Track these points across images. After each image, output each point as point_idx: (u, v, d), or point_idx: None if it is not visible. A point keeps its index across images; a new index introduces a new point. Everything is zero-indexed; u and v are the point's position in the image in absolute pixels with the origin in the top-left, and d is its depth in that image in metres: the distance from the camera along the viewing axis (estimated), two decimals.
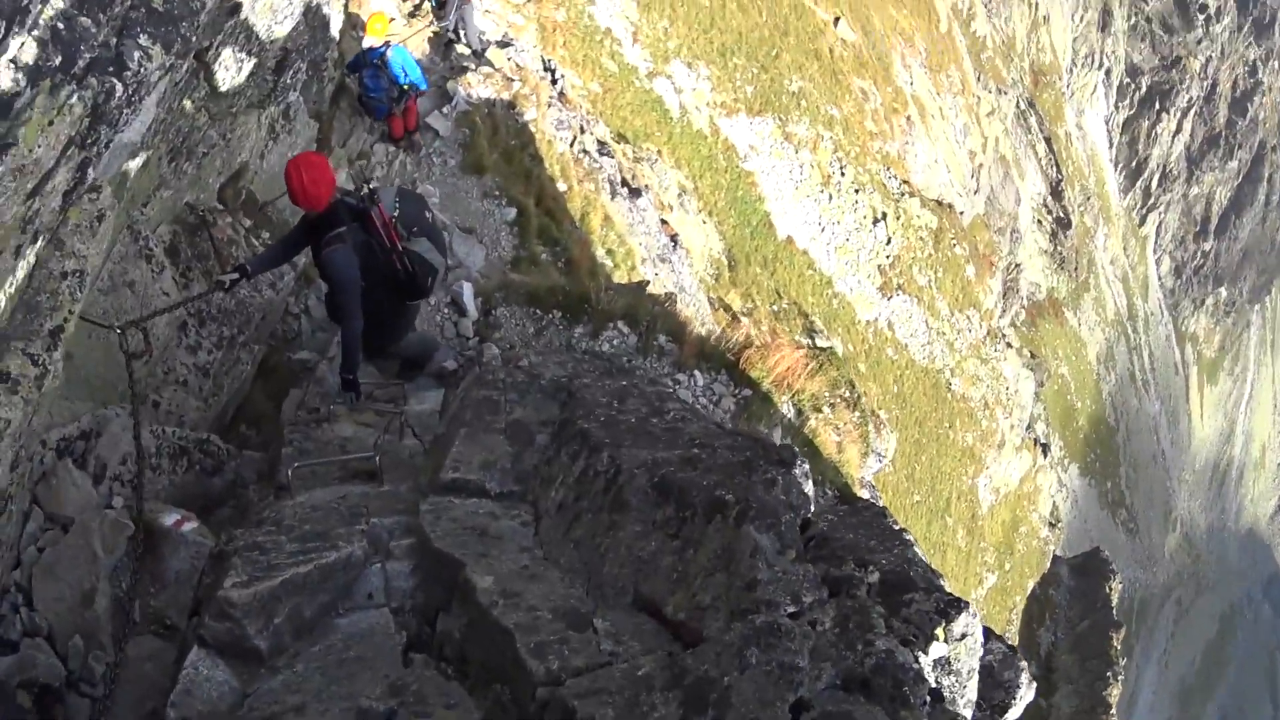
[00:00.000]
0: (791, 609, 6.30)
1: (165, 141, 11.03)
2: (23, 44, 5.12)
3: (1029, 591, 50.88)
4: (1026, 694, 7.98)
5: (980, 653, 6.71)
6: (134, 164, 9.12)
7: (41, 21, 5.23)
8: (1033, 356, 63.75)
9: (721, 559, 6.76)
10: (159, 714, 7.10)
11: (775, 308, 39.14)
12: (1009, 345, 59.39)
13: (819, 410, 18.97)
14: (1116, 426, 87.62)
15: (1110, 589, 52.91)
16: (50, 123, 5.50)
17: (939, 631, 6.25)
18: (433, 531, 8.31)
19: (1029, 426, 59.77)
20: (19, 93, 5.13)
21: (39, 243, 6.54)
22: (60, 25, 5.39)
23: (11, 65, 5.06)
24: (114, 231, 9.18)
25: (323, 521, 8.74)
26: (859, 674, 5.78)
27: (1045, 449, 62.28)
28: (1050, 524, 60.97)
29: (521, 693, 6.44)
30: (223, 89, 12.07)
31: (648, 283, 22.76)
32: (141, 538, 8.26)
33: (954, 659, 6.41)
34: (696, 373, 17.02)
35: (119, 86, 6.29)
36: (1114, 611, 53.62)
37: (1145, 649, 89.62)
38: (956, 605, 6.42)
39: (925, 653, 6.16)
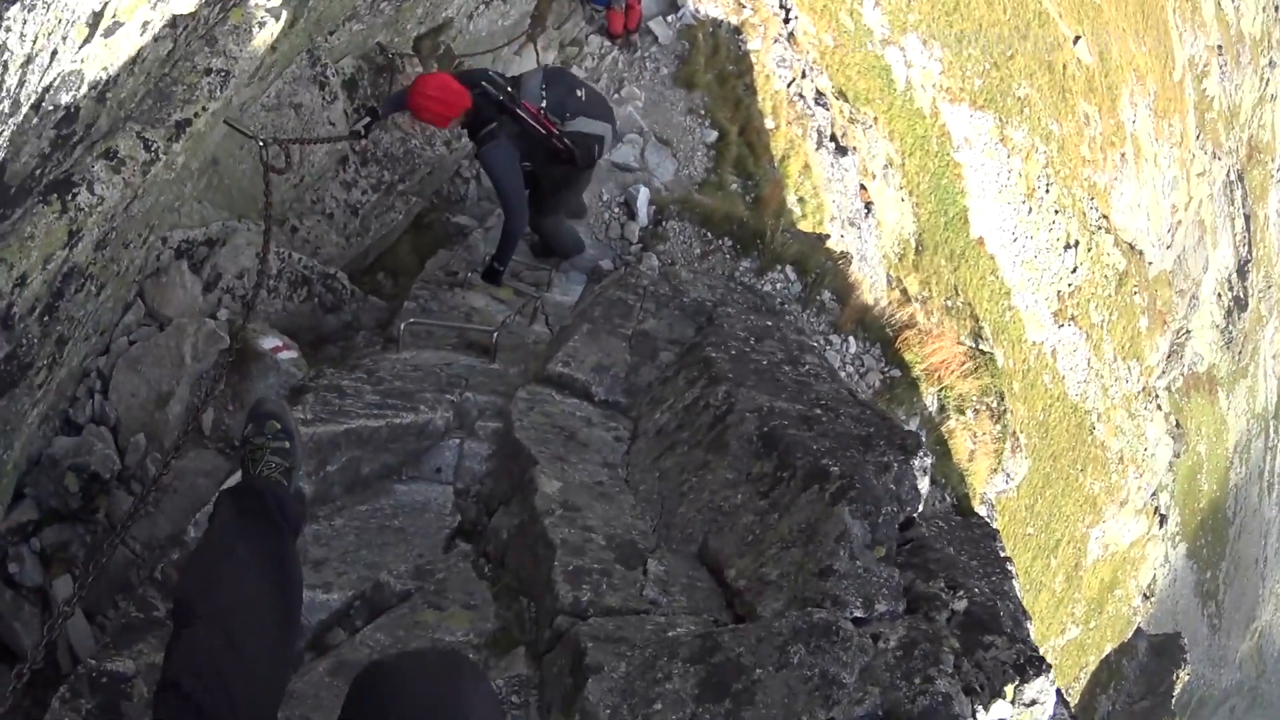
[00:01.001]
0: (859, 613, 5.62)
1: None
2: None
3: (1104, 655, 50.04)
4: None
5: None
6: None
7: None
8: (1178, 425, 62.49)
9: (803, 534, 6.08)
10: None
11: (949, 303, 38.44)
12: (1158, 407, 58.25)
13: (962, 412, 18.35)
14: (1232, 520, 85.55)
15: (1177, 677, 52.41)
16: None
17: (1009, 689, 5.48)
18: (519, 420, 7.80)
19: (1154, 493, 58.63)
20: None
21: (181, 29, 6.09)
22: None
23: None
24: (285, 46, 8.82)
25: (416, 382, 8.38)
26: (904, 711, 5.01)
27: (1163, 520, 61.03)
28: (1145, 595, 59.87)
29: (543, 615, 5.92)
30: None
31: (828, 237, 22.19)
32: (234, 353, 7.84)
33: None
34: (851, 338, 16.46)
35: None
36: (1173, 700, 52.90)
37: None
38: (1037, 665, 5.56)
39: (986, 710, 5.34)
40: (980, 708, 5.28)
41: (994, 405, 19.18)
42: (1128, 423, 52.18)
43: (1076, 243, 45.53)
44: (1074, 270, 45.80)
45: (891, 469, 6.58)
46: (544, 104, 11.26)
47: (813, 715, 4.92)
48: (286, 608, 4.49)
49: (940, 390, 17.96)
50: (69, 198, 5.58)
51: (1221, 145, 69.46)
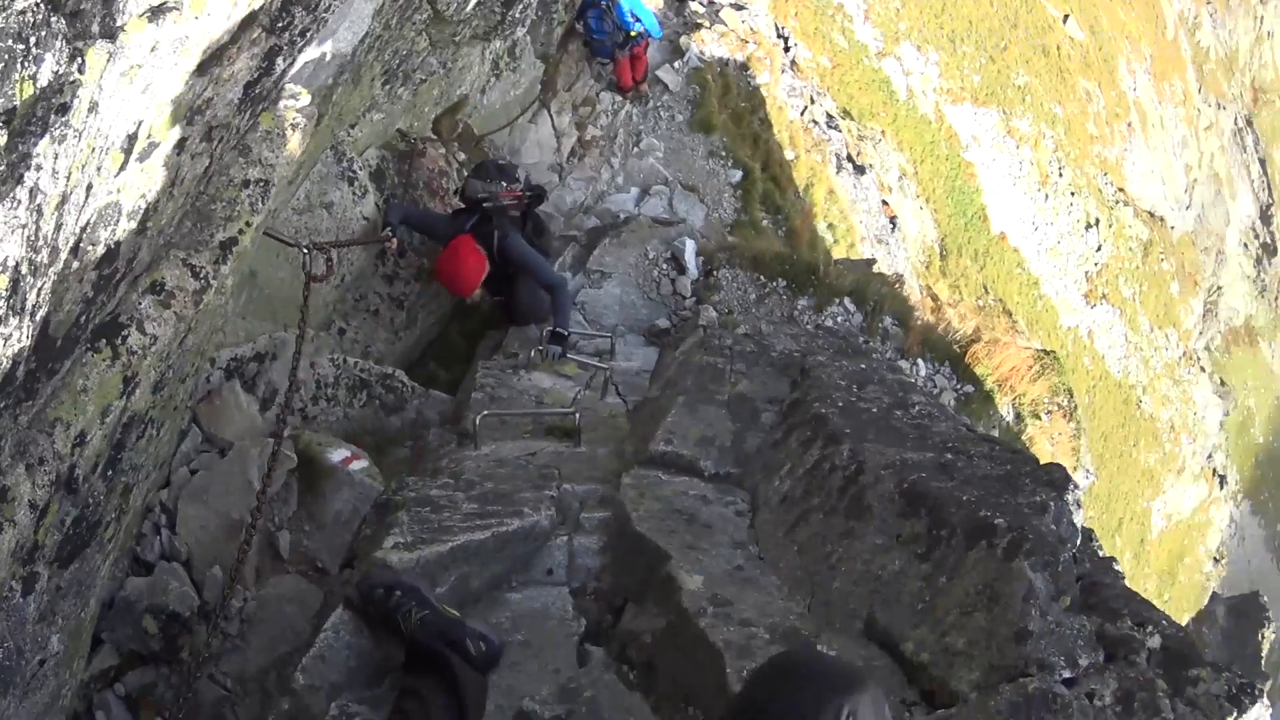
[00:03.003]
0: (1066, 674, 5.12)
1: (380, 61, 10.44)
2: None
3: (1184, 625, 49.34)
4: None
5: None
6: (343, 78, 8.47)
7: None
8: (1222, 383, 61.97)
9: (983, 597, 5.53)
10: (293, 660, 6.35)
11: (980, 302, 38.31)
12: (1201, 369, 57.86)
13: (1037, 417, 17.98)
14: None
15: (1263, 636, 51.66)
16: None
17: None
18: (634, 510, 7.29)
19: (1210, 455, 58.14)
20: None
21: (216, 143, 5.63)
22: None
23: None
24: (311, 146, 8.43)
25: (508, 480, 7.87)
26: None
27: (1223, 481, 60.46)
28: (1215, 559, 59.29)
29: None
30: (447, 14, 11.61)
31: (874, 261, 22.16)
32: (296, 471, 7.67)
33: None
34: (920, 361, 16.15)
35: None
36: (1262, 661, 52.19)
37: None
38: (1250, 693, 5.20)
39: None
40: None
41: (1065, 404, 18.80)
42: (1173, 390, 52.19)
43: (1097, 221, 45.68)
44: (1098, 249, 46.01)
45: (1049, 509, 6.08)
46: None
47: None
48: None
49: (1014, 399, 17.54)
50: (119, 341, 5.19)
51: (1224, 94, 69.30)
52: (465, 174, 12.85)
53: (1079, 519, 6.36)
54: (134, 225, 4.81)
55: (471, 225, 12.07)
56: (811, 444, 7.56)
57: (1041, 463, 6.87)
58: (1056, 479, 6.44)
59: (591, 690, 5.99)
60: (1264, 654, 52.15)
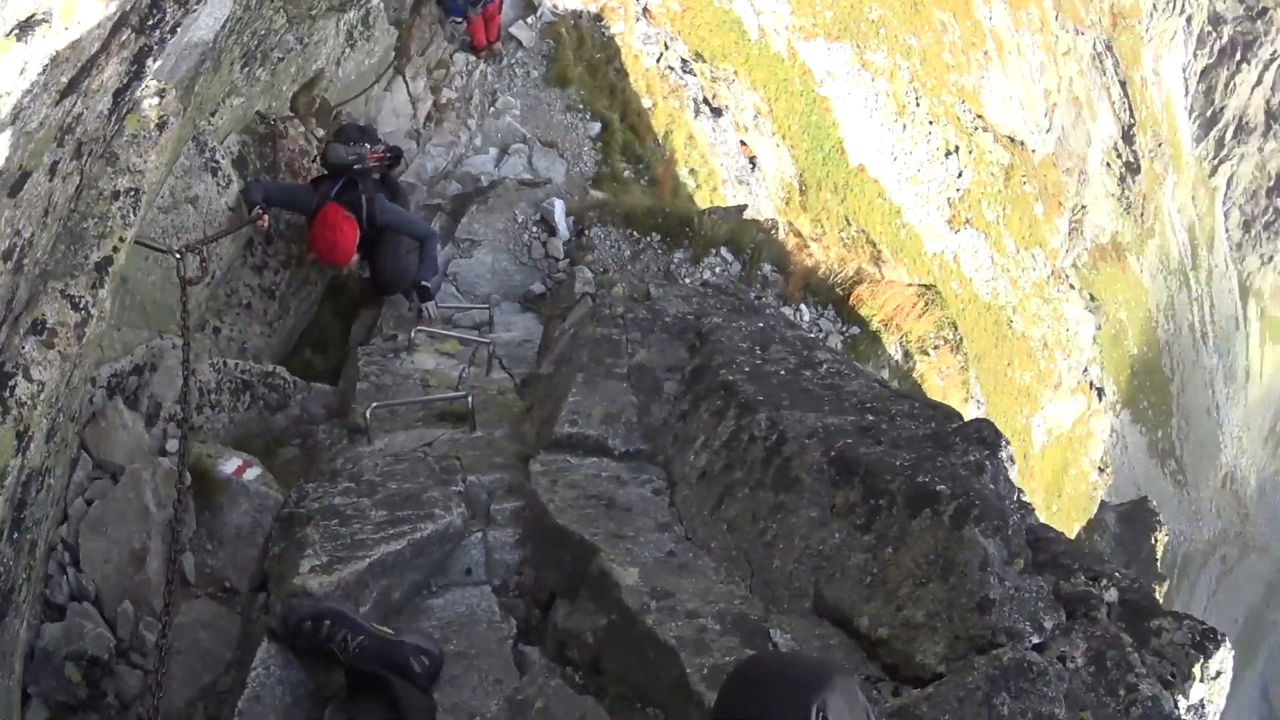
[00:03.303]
0: (1035, 639, 5.03)
1: (239, 44, 10.04)
2: None
3: (1074, 536, 50.09)
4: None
5: (1227, 690, 5.47)
6: (204, 67, 8.21)
7: None
8: (1092, 299, 63.12)
9: (936, 567, 5.38)
10: (216, 687, 6.27)
11: (844, 235, 39.30)
12: (1071, 286, 58.80)
13: (925, 353, 17.98)
14: (1171, 377, 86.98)
15: (1156, 540, 52.93)
16: None
17: (1197, 669, 5.09)
18: (550, 500, 7.02)
19: (1085, 370, 59.19)
20: None
21: (85, 158, 5.26)
22: None
23: None
24: (178, 143, 8.06)
25: (409, 477, 7.56)
26: None
27: (1100, 393, 61.65)
28: (1099, 469, 60.38)
29: None
30: None
31: (745, 207, 22.20)
32: (192, 488, 7.23)
33: (1207, 701, 5.19)
34: (803, 306, 16.05)
35: None
36: (1158, 564, 53.31)
37: (1186, 605, 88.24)
38: (1214, 638, 5.22)
39: (1186, 696, 5.01)
40: (1181, 697, 5.03)
41: (951, 337, 18.82)
42: (1044, 309, 53.40)
43: (956, 148, 46.41)
44: (959, 175, 46.89)
45: (986, 468, 5.98)
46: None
47: None
48: None
49: (901, 337, 17.45)
50: (7, 394, 4.82)
51: (1082, 20, 70.91)
52: (326, 142, 12.56)
53: (1014, 475, 6.19)
54: (11, 265, 4.46)
55: (336, 192, 11.84)
56: (724, 414, 7.34)
57: (965, 418, 6.75)
58: (987, 436, 6.34)
59: (541, 700, 5.77)
60: (1159, 556, 53.15)
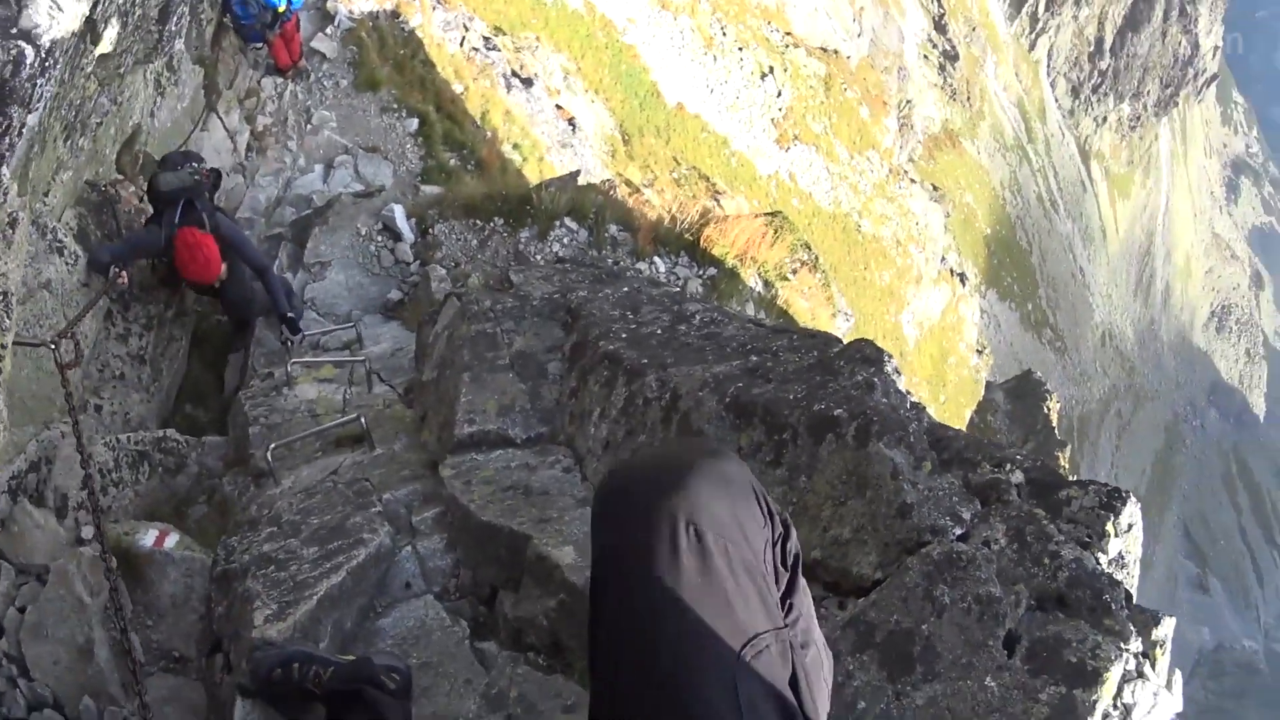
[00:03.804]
0: (958, 530, 5.26)
1: (59, 119, 9.93)
2: None
3: (967, 421, 50.74)
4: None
5: (1142, 538, 5.75)
6: (34, 151, 8.24)
7: None
8: (935, 189, 63.70)
9: (850, 485, 5.61)
10: None
11: (675, 175, 39.59)
12: (912, 181, 59.30)
13: (785, 279, 18.05)
14: (1030, 249, 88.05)
15: (1049, 409, 53.45)
16: None
17: (1109, 527, 5.29)
18: (470, 500, 7.16)
19: (943, 259, 59.72)
20: None
21: None
22: None
23: None
24: (26, 236, 8.06)
25: (327, 508, 7.66)
26: (1053, 590, 4.88)
27: (962, 278, 62.29)
28: (978, 351, 61.01)
29: None
30: (110, 49, 11.03)
31: (579, 172, 22.22)
32: (119, 569, 7.19)
33: (1125, 552, 5.46)
34: (656, 259, 16.20)
35: (29, 52, 5.12)
36: (1056, 431, 53.99)
37: (1092, 465, 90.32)
38: (1119, 496, 5.42)
39: (1105, 552, 5.20)
40: (1101, 554, 5.22)
41: (806, 258, 19.02)
42: (889, 207, 53.86)
43: (771, 69, 46.73)
44: (778, 94, 47.18)
45: (875, 385, 6.18)
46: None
47: (994, 636, 4.75)
48: None
49: (759, 268, 17.51)
50: None
51: None
52: (151, 176, 12.49)
53: (901, 384, 6.41)
54: None
55: (180, 218, 11.92)
56: (613, 384, 7.51)
57: (845, 341, 6.94)
58: (869, 354, 6.53)
59: (514, 689, 5.93)
60: (1055, 424, 53.82)
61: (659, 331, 7.91)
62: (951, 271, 60.35)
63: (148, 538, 7.75)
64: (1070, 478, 5.67)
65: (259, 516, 7.97)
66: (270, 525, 7.56)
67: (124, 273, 11.16)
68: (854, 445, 5.67)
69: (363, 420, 9.25)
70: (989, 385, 57.82)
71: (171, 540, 7.80)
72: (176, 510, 9.53)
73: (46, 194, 10.35)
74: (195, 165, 12.14)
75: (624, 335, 7.94)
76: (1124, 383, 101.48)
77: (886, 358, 6.48)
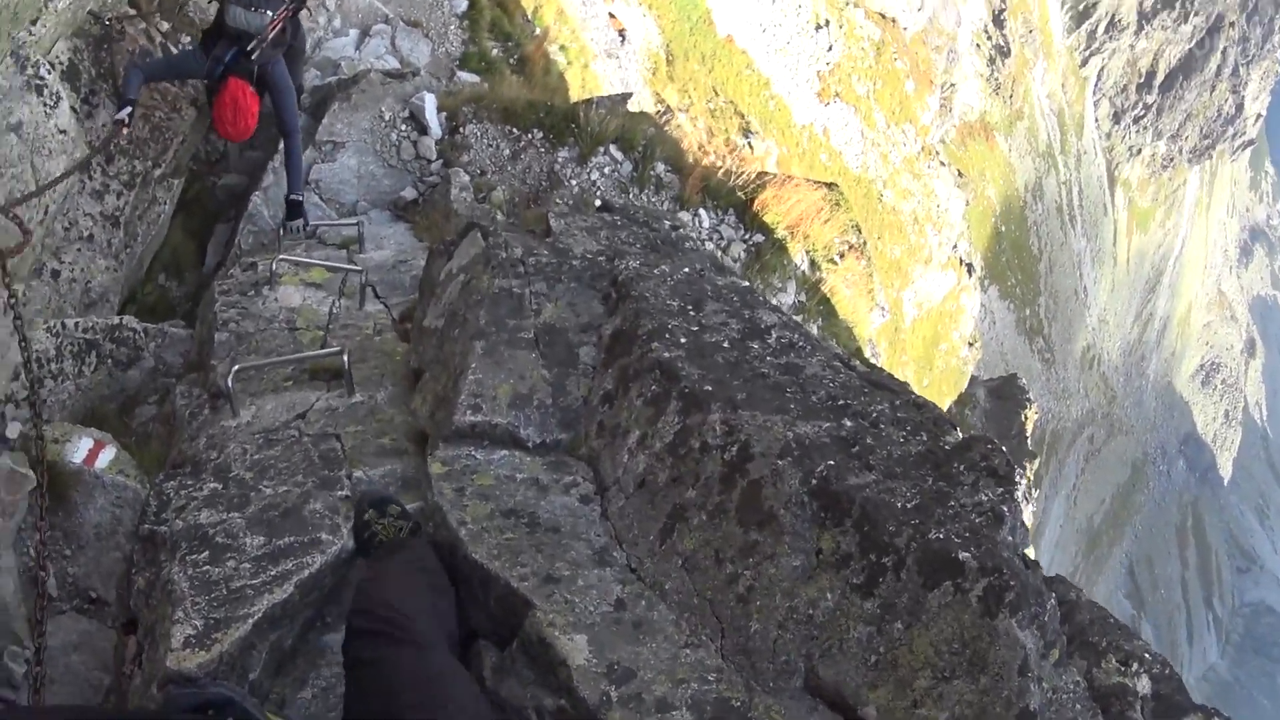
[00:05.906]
0: None
1: None
2: None
3: (946, 409, 50.24)
4: None
5: None
6: None
7: None
8: (960, 174, 63.58)
9: (962, 660, 4.27)
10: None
11: (711, 105, 39.84)
12: (941, 163, 59.17)
13: (832, 262, 17.26)
14: (1039, 256, 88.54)
15: (1025, 417, 53.57)
16: None
17: None
18: (460, 521, 5.67)
19: (955, 245, 59.56)
20: None
21: None
22: None
23: None
24: None
25: (285, 472, 6.41)
26: None
27: (970, 268, 62.20)
28: (969, 344, 60.81)
29: None
30: None
31: (629, 95, 20.99)
32: (46, 487, 6.09)
33: None
34: (702, 211, 15.19)
35: None
36: (1028, 441, 53.94)
37: (1055, 482, 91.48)
38: None
39: None
40: None
41: (855, 241, 18.00)
42: (914, 184, 54.26)
43: (827, 21, 47.26)
44: (829, 49, 47.76)
45: (1004, 519, 4.77)
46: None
47: None
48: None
49: (808, 246, 16.55)
50: None
51: None
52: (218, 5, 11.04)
53: (1028, 516, 5.16)
54: None
55: (231, 58, 10.62)
56: (663, 406, 6.02)
57: (968, 434, 5.51)
58: (998, 467, 5.06)
59: None
60: (1029, 433, 53.76)
61: (726, 345, 6.44)
62: (960, 260, 60.16)
63: (79, 451, 6.68)
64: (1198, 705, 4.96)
65: (205, 458, 6.86)
66: (216, 480, 6.34)
67: (127, 126, 9.90)
68: (977, 609, 4.33)
69: (345, 358, 8.01)
70: (973, 379, 57.64)
71: (106, 457, 6.75)
72: (122, 409, 8.60)
73: (34, 22, 9.03)
74: (269, 14, 10.71)
75: (682, 340, 6.46)
76: (1102, 410, 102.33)
77: (1018, 475, 5.13)
